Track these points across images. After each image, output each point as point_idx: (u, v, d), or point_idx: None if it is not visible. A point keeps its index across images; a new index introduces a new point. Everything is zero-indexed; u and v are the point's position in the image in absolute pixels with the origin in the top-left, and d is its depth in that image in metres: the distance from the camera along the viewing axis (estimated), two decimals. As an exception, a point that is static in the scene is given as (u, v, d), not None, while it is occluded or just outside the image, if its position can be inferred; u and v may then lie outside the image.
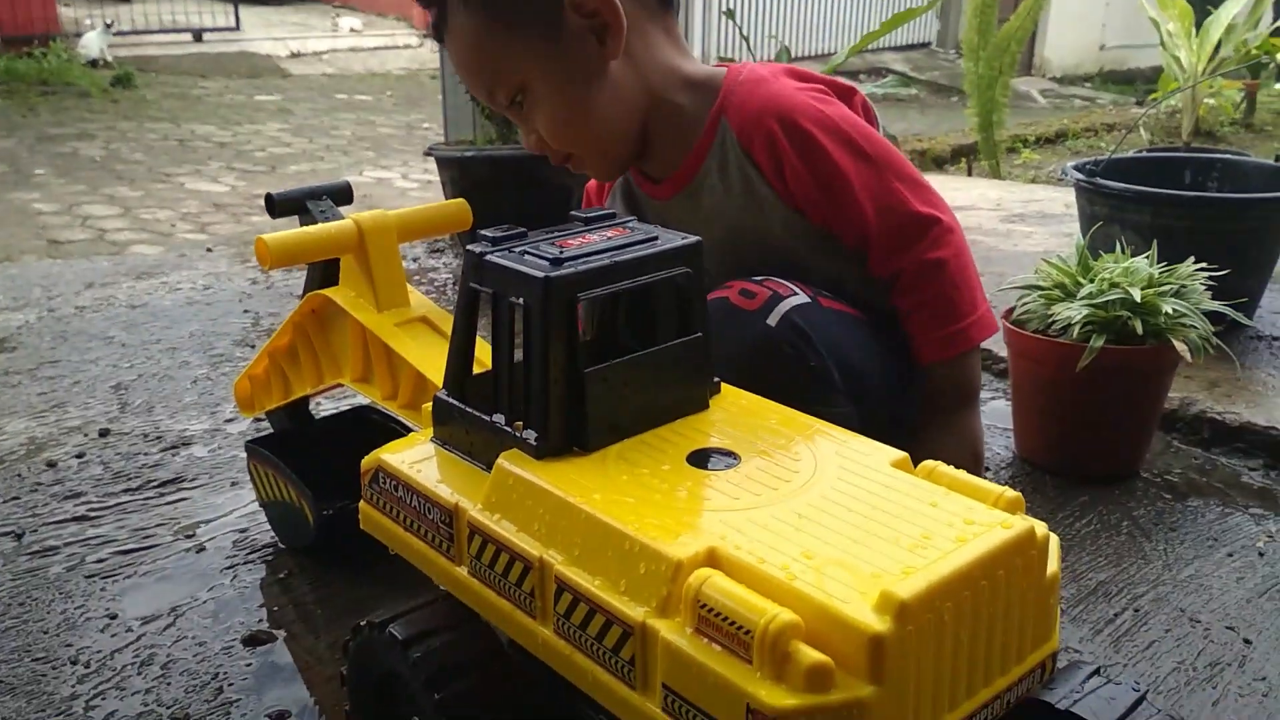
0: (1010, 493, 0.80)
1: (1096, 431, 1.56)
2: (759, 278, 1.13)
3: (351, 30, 11.49)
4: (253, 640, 1.20)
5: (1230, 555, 1.39)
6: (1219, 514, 1.50)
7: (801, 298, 1.10)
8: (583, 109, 1.15)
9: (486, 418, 0.89)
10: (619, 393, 0.88)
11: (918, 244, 1.15)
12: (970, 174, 5.08)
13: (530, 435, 0.85)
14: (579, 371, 0.85)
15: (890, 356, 1.18)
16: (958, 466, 0.92)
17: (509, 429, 0.87)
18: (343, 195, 1.24)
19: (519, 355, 0.87)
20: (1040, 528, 0.77)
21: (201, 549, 1.38)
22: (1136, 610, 1.27)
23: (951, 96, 8.68)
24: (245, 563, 1.35)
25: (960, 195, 3.59)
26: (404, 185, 5.66)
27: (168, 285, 2.64)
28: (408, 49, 11.01)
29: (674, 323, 0.95)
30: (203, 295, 2.53)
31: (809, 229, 1.17)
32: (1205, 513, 1.50)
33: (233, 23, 10.64)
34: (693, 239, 0.92)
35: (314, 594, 1.28)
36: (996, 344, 1.76)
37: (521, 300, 0.84)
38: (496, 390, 0.88)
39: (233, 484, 1.54)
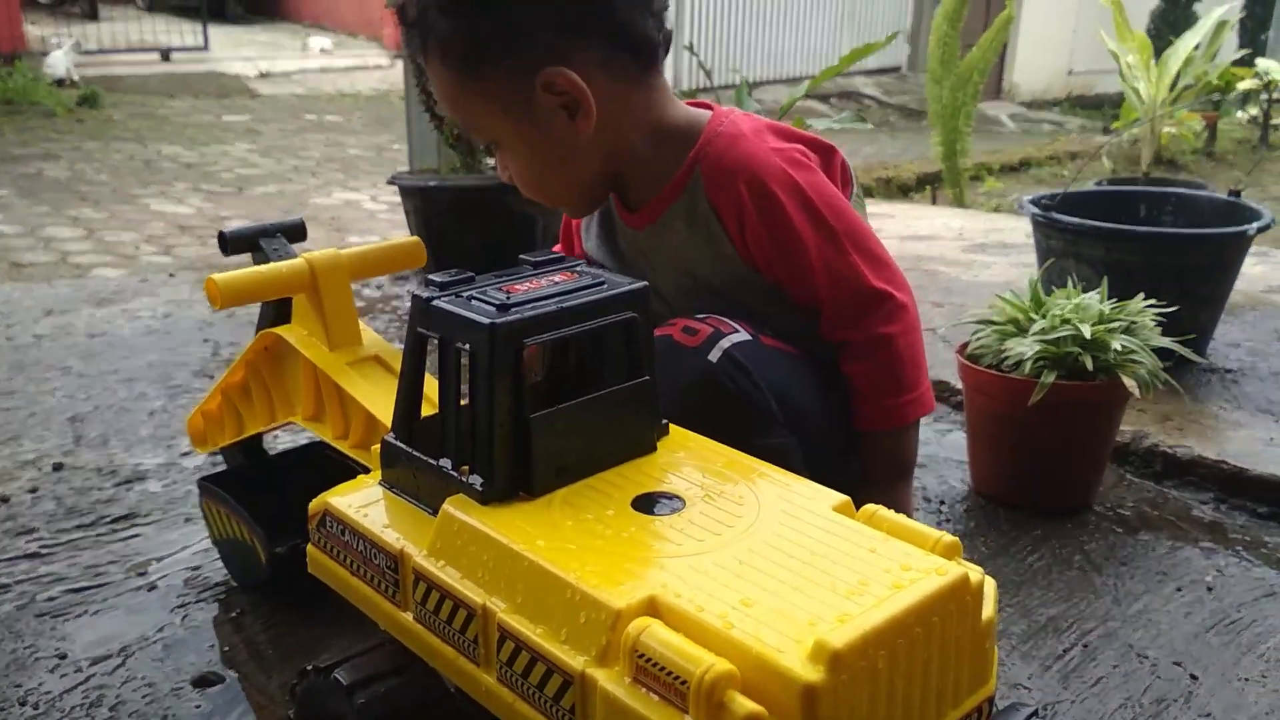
0: (947, 538, 0.81)
1: (1049, 466, 1.58)
2: (702, 315, 1.15)
3: (322, 50, 11.49)
4: (203, 681, 1.19)
5: (1179, 590, 1.41)
6: (1169, 548, 1.51)
7: (743, 335, 1.13)
8: (553, 172, 1.18)
9: (434, 462, 0.89)
10: (565, 437, 0.88)
11: (868, 318, 1.17)
12: (935, 201, 5.13)
13: (476, 480, 0.86)
14: (525, 417, 0.86)
15: (833, 394, 1.19)
16: None
17: (455, 474, 0.87)
18: (296, 232, 1.24)
19: (466, 400, 0.87)
20: (975, 573, 0.78)
21: (153, 587, 1.37)
22: (1085, 646, 1.28)
23: (922, 121, 8.74)
24: (197, 601, 1.34)
25: (923, 224, 3.63)
26: (373, 207, 5.64)
27: (128, 313, 2.62)
28: (378, 69, 11.02)
29: (622, 366, 0.95)
30: (163, 324, 2.52)
31: (762, 285, 1.20)
32: (1156, 547, 1.52)
33: (201, 42, 10.61)
34: (639, 284, 0.93)
35: (266, 633, 1.27)
36: (954, 377, 1.78)
37: (468, 346, 0.85)
38: (443, 435, 0.89)
39: (186, 520, 1.53)
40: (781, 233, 1.15)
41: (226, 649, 1.25)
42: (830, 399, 1.19)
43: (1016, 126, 9.49)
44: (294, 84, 10.21)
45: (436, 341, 0.87)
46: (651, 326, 0.94)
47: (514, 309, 0.85)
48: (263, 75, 10.27)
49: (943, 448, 1.83)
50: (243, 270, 1.09)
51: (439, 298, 0.87)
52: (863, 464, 1.21)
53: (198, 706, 1.15)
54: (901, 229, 3.54)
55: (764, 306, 1.20)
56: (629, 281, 0.93)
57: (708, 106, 1.26)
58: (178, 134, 7.45)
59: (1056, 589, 1.40)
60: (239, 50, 10.99)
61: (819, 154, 1.23)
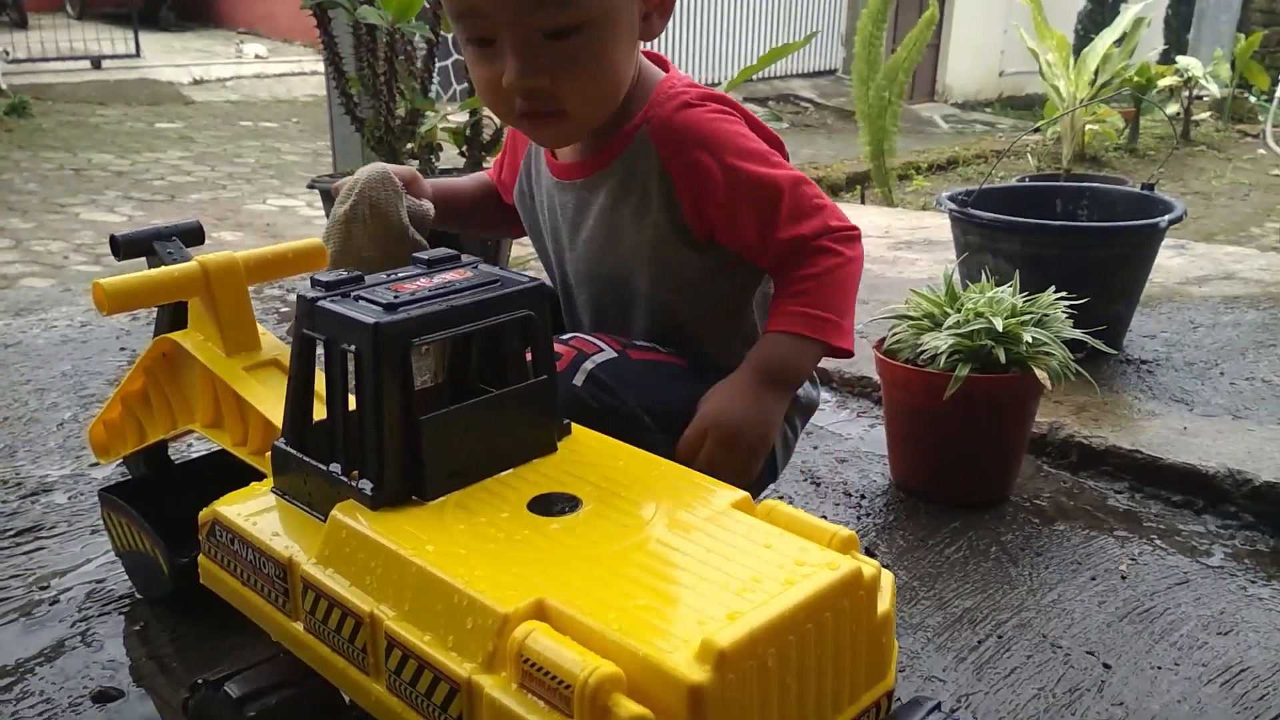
0: (844, 532, 0.81)
1: (966, 458, 1.59)
2: (567, 336, 1.18)
3: (256, 56, 11.32)
4: (102, 696, 1.15)
5: (1094, 579, 1.42)
6: (1084, 538, 1.53)
7: (608, 353, 1.15)
8: (613, 69, 1.13)
9: (324, 467, 0.87)
10: (458, 439, 0.87)
11: (825, 235, 1.19)
12: (864, 201, 5.17)
13: (366, 485, 0.84)
14: (414, 419, 0.84)
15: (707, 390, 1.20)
16: (713, 436, 1.11)
17: (345, 479, 0.85)
18: (193, 236, 1.21)
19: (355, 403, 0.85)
20: (870, 567, 0.78)
21: (55, 601, 1.33)
22: (1000, 637, 1.28)
23: (857, 123, 8.82)
24: (100, 615, 1.30)
25: (854, 222, 3.64)
26: (309, 213, 5.56)
27: (45, 322, 2.55)
28: (314, 75, 10.86)
29: (520, 366, 0.94)
30: (79, 333, 2.46)
31: (684, 255, 1.21)
32: (1071, 536, 1.53)
33: (133, 49, 10.40)
34: (535, 282, 0.92)
35: (171, 645, 1.24)
36: (873, 371, 1.79)
37: (354, 347, 0.83)
38: (333, 439, 0.87)
39: (93, 531, 1.49)
40: (753, 195, 1.16)
41: (129, 663, 1.21)
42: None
43: (949, 127, 9.60)
44: (228, 90, 10.05)
45: (323, 343, 0.85)
46: (548, 325, 0.93)
47: (400, 308, 0.83)
48: (196, 82, 10.10)
49: (864, 442, 1.83)
50: (132, 274, 1.06)
51: (324, 298, 0.85)
52: (747, 357, 1.20)
53: (96, 724, 1.11)
54: (833, 228, 3.54)
55: (679, 276, 1.22)
56: (525, 279, 0.92)
57: (661, 61, 1.25)
58: (109, 142, 7.30)
59: (973, 580, 1.41)
60: (172, 57, 10.78)
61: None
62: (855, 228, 1.22)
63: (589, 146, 1.23)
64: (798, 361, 1.19)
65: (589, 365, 1.13)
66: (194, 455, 1.49)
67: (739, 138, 1.18)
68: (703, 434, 1.13)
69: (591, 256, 1.26)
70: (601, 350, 1.15)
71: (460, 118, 2.61)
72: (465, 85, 2.66)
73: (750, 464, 1.15)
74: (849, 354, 1.20)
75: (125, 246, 1.17)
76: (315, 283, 0.87)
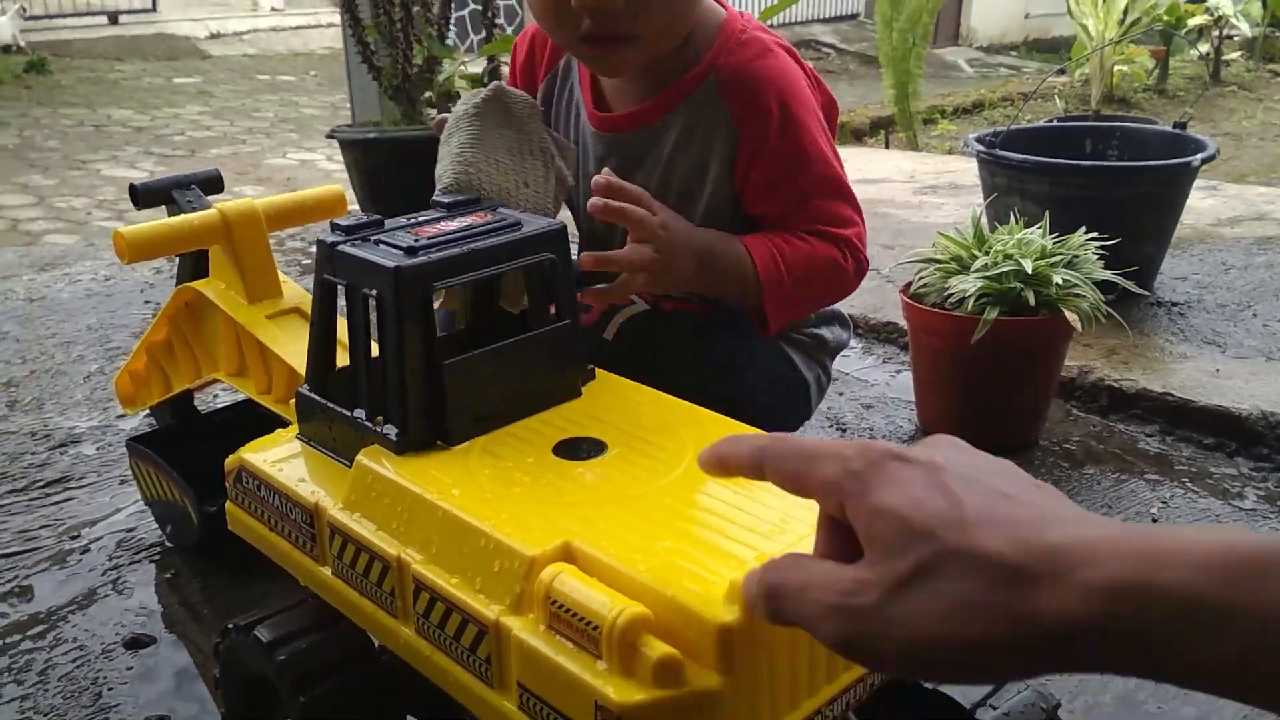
0: (873, 474, 0.79)
1: (994, 402, 1.57)
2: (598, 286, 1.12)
3: (272, 9, 11.25)
4: (134, 643, 1.17)
5: (1125, 523, 1.40)
6: (1115, 481, 1.51)
7: (639, 305, 1.12)
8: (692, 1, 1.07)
9: (348, 413, 0.87)
10: (482, 384, 0.86)
11: (843, 240, 1.11)
12: (888, 146, 5.11)
13: (390, 430, 0.83)
14: (437, 364, 0.83)
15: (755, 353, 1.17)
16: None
17: (370, 424, 0.85)
18: (213, 184, 1.20)
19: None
20: (899, 509, 0.76)
21: (86, 550, 1.34)
22: (1028, 580, 1.27)
23: (879, 68, 8.72)
24: (131, 563, 1.31)
25: (875, 167, 3.60)
26: (329, 167, 5.56)
27: (69, 277, 2.56)
28: (331, 28, 10.80)
29: (543, 309, 0.93)
30: (104, 286, 2.47)
31: (726, 210, 1.13)
32: (1101, 480, 1.52)
33: (149, 4, 10.35)
34: (556, 224, 0.90)
35: (201, 594, 1.25)
36: (899, 317, 1.77)
37: (375, 291, 0.82)
38: (356, 385, 0.86)
39: (121, 482, 1.50)
40: (799, 156, 1.09)
41: (159, 611, 1.22)
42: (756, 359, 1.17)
43: (974, 71, 9.46)
44: (245, 44, 10.02)
45: (344, 288, 0.84)
46: (571, 267, 0.92)
47: (421, 252, 0.82)
48: (213, 36, 10.06)
49: (890, 388, 1.82)
50: (152, 222, 1.05)
51: (344, 242, 0.84)
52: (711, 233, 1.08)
53: (129, 668, 1.13)
54: (853, 173, 3.46)
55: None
56: (546, 222, 0.91)
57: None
58: (127, 98, 7.30)
59: (1001, 525, 1.40)
60: (188, 11, 10.73)
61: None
62: (867, 260, 1.15)
63: (645, 90, 1.13)
64: (728, 285, 1.08)
65: (620, 318, 1.10)
66: (219, 405, 1.49)
67: (813, 105, 1.11)
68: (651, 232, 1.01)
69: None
70: (634, 302, 1.12)
71: (478, 66, 2.58)
72: (483, 35, 2.63)
73: (655, 279, 1.03)
74: (766, 328, 1.11)
75: (145, 195, 1.16)
76: (335, 227, 0.86)
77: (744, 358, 1.15)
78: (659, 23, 1.03)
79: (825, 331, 1.25)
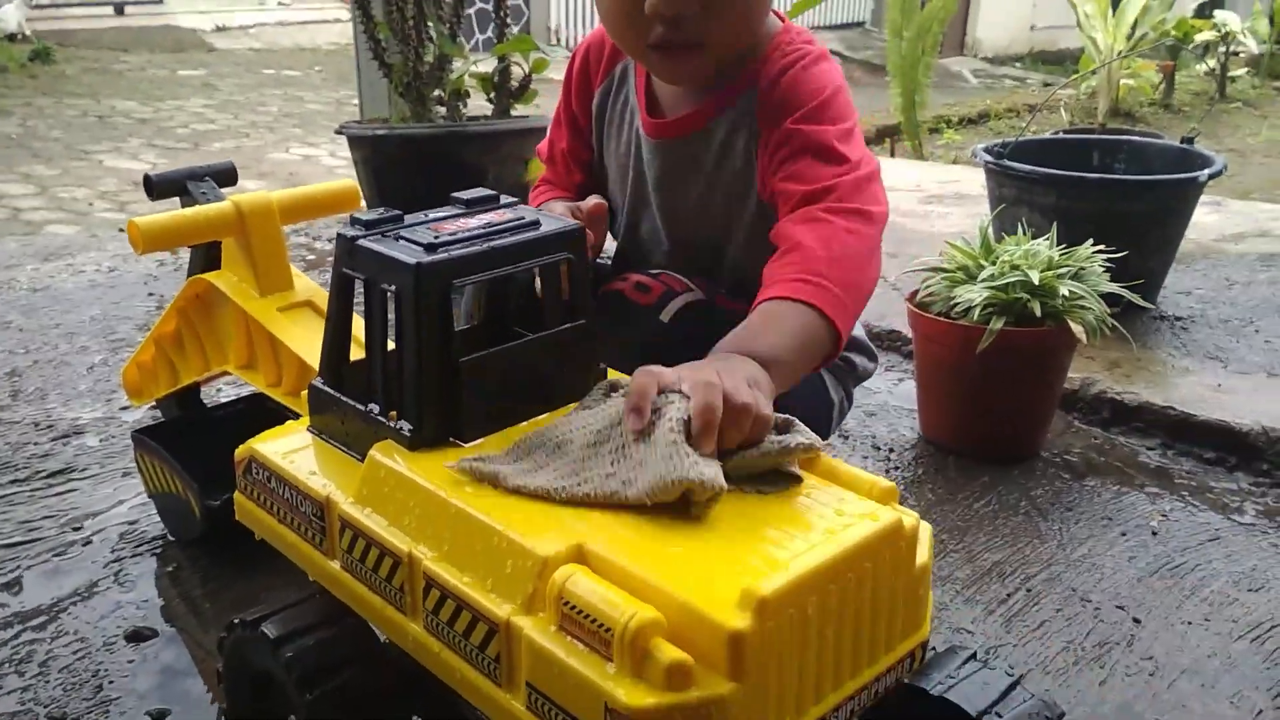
0: (884, 482, 0.80)
1: (997, 412, 1.58)
2: (655, 270, 1.12)
3: (279, 4, 11.25)
4: (136, 636, 1.17)
5: (1124, 534, 1.41)
6: (1115, 493, 1.52)
7: (696, 294, 1.09)
8: (760, 11, 1.09)
9: (361, 407, 0.87)
10: (497, 382, 0.86)
11: (852, 195, 1.05)
12: (893, 154, 5.11)
13: (404, 426, 0.83)
14: (453, 361, 0.83)
15: None
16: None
17: (383, 419, 0.85)
18: (227, 176, 1.20)
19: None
20: (910, 519, 0.77)
21: (88, 542, 1.34)
22: (1029, 590, 1.28)
23: (884, 75, 8.71)
24: (133, 556, 1.31)
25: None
26: (332, 163, 5.56)
27: (73, 267, 2.56)
28: (337, 23, 10.80)
29: (559, 309, 0.93)
30: (107, 278, 2.47)
31: (760, 220, 1.12)
32: (1101, 492, 1.52)
33: (155, -5, 10.37)
34: (573, 225, 0.90)
35: (203, 588, 1.25)
36: (903, 325, 1.78)
37: (394, 287, 0.82)
38: (370, 379, 0.86)
39: (124, 474, 1.50)
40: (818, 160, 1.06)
41: (161, 604, 1.22)
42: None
43: (979, 82, 9.47)
44: (251, 38, 10.02)
45: (362, 283, 0.84)
46: (587, 268, 0.92)
47: (441, 249, 0.82)
48: (219, 29, 10.06)
49: (893, 396, 1.82)
50: (167, 213, 1.05)
51: (364, 237, 0.84)
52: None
53: (130, 661, 1.12)
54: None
55: (749, 248, 1.14)
56: (563, 222, 0.91)
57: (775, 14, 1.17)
58: (132, 89, 7.30)
59: (1002, 534, 1.40)
60: (194, 4, 10.72)
61: None
62: (879, 201, 1.08)
63: (695, 96, 1.15)
64: (797, 345, 0.98)
65: (678, 304, 1.08)
66: (226, 399, 1.49)
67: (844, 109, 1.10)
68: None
69: (683, 217, 1.19)
70: (691, 290, 1.10)
71: (487, 66, 2.58)
72: (490, 34, 2.63)
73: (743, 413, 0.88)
74: (839, 341, 1.01)
75: (159, 186, 1.16)
76: (355, 221, 0.86)
77: None
78: (729, 32, 1.05)
79: (855, 358, 1.27)
